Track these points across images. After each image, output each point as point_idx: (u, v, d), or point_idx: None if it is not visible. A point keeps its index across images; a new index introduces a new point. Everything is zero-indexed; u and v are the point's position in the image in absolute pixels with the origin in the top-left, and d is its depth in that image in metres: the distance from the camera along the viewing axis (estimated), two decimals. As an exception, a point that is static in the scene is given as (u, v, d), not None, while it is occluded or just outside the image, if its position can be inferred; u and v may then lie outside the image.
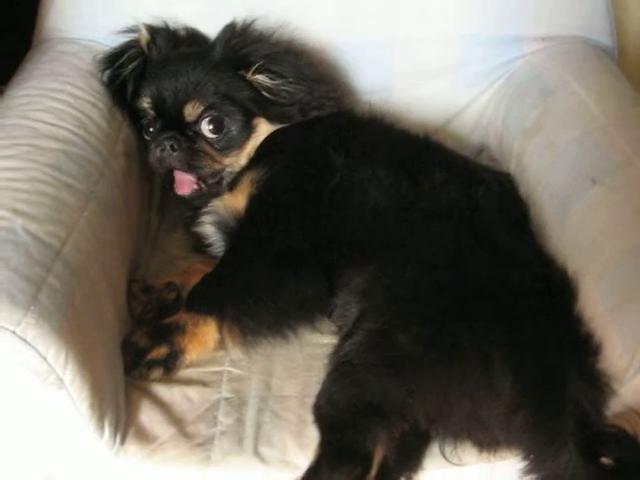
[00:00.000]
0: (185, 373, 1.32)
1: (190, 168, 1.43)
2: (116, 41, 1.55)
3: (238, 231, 1.42)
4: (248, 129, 1.46)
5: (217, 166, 1.46)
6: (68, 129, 1.36)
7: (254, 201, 1.41)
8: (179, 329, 1.31)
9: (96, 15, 1.61)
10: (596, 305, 1.21)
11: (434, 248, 1.28)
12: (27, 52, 1.60)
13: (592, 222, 1.30)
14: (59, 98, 1.42)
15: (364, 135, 1.47)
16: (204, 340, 1.32)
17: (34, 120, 1.35)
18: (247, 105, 1.45)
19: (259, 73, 1.44)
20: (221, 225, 1.46)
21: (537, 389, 1.16)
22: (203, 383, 1.31)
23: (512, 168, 1.56)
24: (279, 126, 1.48)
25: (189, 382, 1.31)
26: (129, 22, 1.55)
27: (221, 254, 1.46)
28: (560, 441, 1.13)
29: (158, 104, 1.44)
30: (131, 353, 1.29)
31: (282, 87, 1.44)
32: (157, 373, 1.30)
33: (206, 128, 1.44)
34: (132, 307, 1.37)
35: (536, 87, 1.60)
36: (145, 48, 1.51)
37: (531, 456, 1.16)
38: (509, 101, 1.64)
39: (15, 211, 1.16)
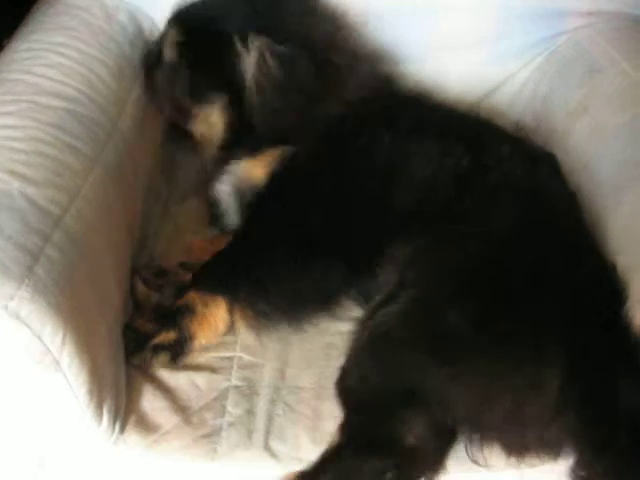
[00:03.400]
0: (192, 357, 1.24)
1: None
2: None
3: (257, 206, 1.32)
4: None
5: None
6: (74, 87, 1.26)
7: (277, 179, 1.31)
8: (188, 311, 1.22)
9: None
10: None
11: (499, 222, 1.19)
12: (34, 3, 1.50)
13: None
14: (65, 53, 1.32)
15: (413, 109, 1.38)
16: (214, 322, 1.23)
17: (37, 76, 1.26)
18: None
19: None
20: (237, 193, 1.37)
21: (588, 392, 1.06)
22: (212, 369, 1.23)
23: (553, 151, 1.44)
24: None
25: (196, 367, 1.23)
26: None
27: (233, 226, 1.37)
28: (610, 449, 1.03)
29: None
30: (134, 338, 1.20)
31: None
32: (163, 359, 1.21)
33: None
34: (144, 294, 1.28)
35: (581, 65, 1.49)
36: None
37: (574, 462, 1.07)
38: (551, 79, 1.54)
39: (12, 173, 1.07)
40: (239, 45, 1.30)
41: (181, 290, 1.27)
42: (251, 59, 1.29)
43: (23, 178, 1.07)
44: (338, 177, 1.29)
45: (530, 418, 1.07)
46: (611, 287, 1.14)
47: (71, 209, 1.09)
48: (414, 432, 1.07)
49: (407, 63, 1.56)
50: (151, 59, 1.40)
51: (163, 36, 1.41)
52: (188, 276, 1.31)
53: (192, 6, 1.40)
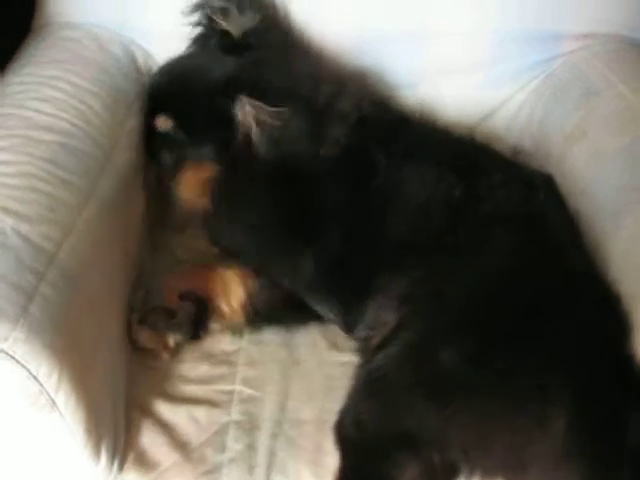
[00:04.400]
0: (192, 390, 1.22)
1: None
2: (122, 26, 1.46)
3: None
4: None
5: None
6: (67, 120, 1.24)
7: None
8: None
9: (101, -2, 1.50)
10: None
11: (495, 254, 1.17)
12: (26, 36, 1.49)
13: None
14: (58, 86, 1.30)
15: (407, 134, 1.35)
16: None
17: (30, 110, 1.24)
18: None
19: None
20: None
21: (596, 433, 1.03)
22: (211, 403, 1.20)
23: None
24: None
25: (196, 401, 1.20)
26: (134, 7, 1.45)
27: None
28: None
29: None
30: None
31: None
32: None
33: None
34: (153, 341, 1.26)
35: (578, 88, 1.48)
36: None
37: None
38: (547, 102, 1.53)
39: (5, 210, 1.05)
40: (232, 109, 1.27)
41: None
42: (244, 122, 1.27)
43: (16, 215, 1.05)
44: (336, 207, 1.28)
45: (535, 457, 1.03)
46: (614, 317, 1.11)
47: (65, 245, 1.06)
48: (409, 475, 1.04)
49: (401, 88, 1.54)
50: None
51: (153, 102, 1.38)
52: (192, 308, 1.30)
53: (176, 65, 1.40)
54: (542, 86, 1.56)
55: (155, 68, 1.49)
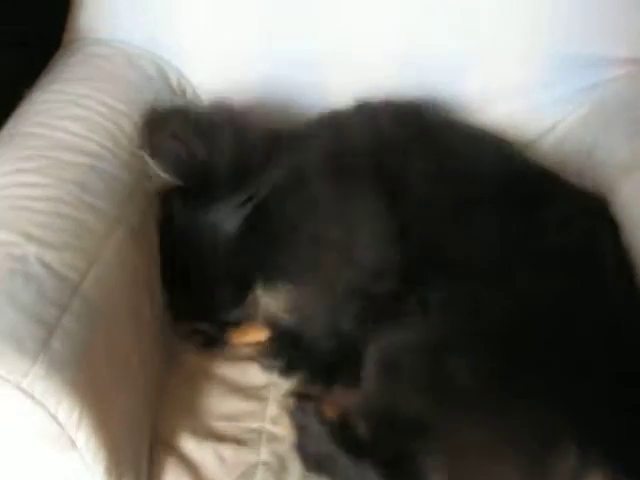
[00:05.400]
0: (219, 427, 1.16)
1: None
2: (153, 44, 1.42)
3: None
4: None
5: None
6: (97, 142, 1.20)
7: None
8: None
9: (134, 14, 1.46)
10: None
11: (540, 283, 1.11)
12: (55, 52, 1.45)
13: None
14: (89, 105, 1.26)
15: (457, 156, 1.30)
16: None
17: (59, 129, 1.20)
18: None
19: None
20: None
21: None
22: (238, 441, 1.14)
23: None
24: None
25: (222, 438, 1.14)
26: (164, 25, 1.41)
27: None
28: None
29: None
30: None
31: None
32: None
33: None
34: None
35: (628, 115, 1.41)
36: None
37: None
38: (596, 130, 1.46)
39: (28, 236, 1.00)
40: None
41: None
42: None
43: (40, 242, 1.00)
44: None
45: None
46: None
47: (90, 275, 1.01)
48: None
49: (448, 112, 1.50)
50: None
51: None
52: None
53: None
54: (591, 112, 1.49)
55: (188, 88, 1.45)
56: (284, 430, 1.14)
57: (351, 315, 1.17)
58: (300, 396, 1.17)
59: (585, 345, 1.04)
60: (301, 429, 1.12)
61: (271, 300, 1.22)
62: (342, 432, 1.08)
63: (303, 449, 1.11)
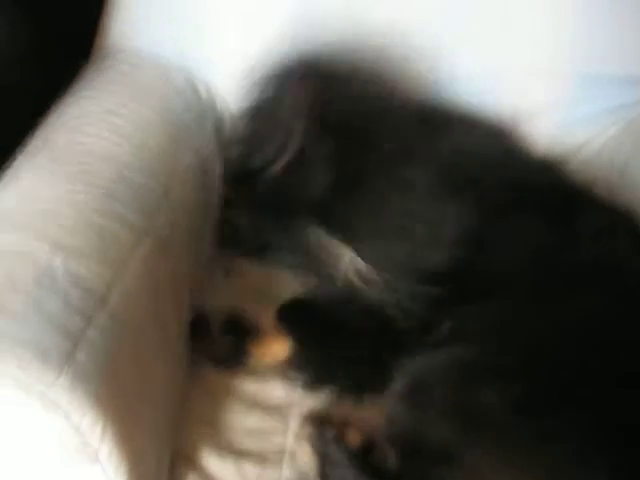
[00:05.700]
0: (241, 443, 1.15)
1: None
2: (182, 55, 1.42)
3: None
4: None
5: None
6: (127, 150, 1.20)
7: None
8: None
9: (164, 27, 1.46)
10: None
11: (576, 307, 1.08)
12: (85, 64, 1.45)
13: None
14: (119, 113, 1.27)
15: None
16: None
17: (89, 136, 1.20)
18: None
19: None
20: None
21: None
22: (261, 457, 1.13)
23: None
24: None
25: (244, 454, 1.13)
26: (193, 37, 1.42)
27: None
28: None
29: None
30: None
31: None
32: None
33: None
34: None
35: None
36: None
37: None
38: (629, 151, 1.44)
39: (56, 245, 0.99)
40: None
41: None
42: None
43: (68, 251, 0.99)
44: None
45: None
46: None
47: (117, 286, 1.00)
48: None
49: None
50: None
51: None
52: None
53: None
54: (623, 132, 1.48)
55: (217, 100, 1.44)
56: (305, 457, 1.13)
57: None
58: (321, 420, 1.16)
59: (624, 376, 1.01)
60: (322, 457, 1.10)
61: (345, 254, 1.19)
62: (365, 459, 1.06)
63: (325, 477, 1.09)
